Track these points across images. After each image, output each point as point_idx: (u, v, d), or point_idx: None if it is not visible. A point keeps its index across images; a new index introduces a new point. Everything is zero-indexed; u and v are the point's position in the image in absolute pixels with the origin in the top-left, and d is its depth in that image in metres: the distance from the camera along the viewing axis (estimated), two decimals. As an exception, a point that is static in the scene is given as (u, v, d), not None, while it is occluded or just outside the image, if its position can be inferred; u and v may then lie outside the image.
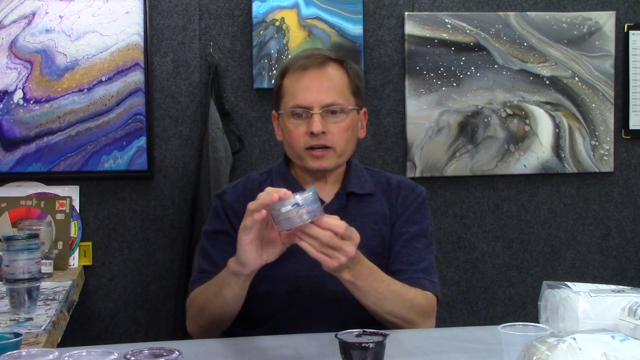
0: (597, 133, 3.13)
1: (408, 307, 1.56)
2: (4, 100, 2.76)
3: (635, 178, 3.20)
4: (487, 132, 3.06)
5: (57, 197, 2.71)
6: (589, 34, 3.11)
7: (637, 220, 3.22)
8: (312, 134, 1.64)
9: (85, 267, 2.80)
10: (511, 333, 1.22)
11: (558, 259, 3.16)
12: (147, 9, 2.81)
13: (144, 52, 2.82)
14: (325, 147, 1.67)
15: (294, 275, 1.64)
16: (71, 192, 2.77)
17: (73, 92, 2.79)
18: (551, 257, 3.16)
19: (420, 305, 1.59)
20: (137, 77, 2.82)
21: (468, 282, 3.10)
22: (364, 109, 1.78)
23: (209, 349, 1.46)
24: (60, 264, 2.57)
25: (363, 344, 1.17)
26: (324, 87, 1.67)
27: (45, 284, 2.16)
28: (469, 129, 3.05)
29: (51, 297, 2.04)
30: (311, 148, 1.67)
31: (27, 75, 2.77)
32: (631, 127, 3.17)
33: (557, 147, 3.11)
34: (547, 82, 3.09)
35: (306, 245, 1.35)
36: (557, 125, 3.11)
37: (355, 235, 1.37)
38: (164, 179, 2.88)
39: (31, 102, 2.77)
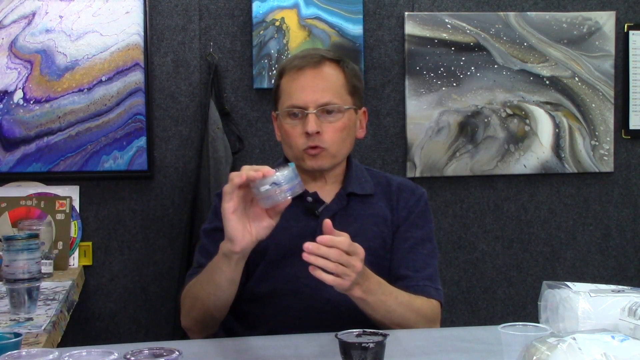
0: (597, 133, 3.13)
1: (415, 317, 1.57)
2: (4, 100, 2.76)
3: (635, 178, 3.20)
4: (487, 132, 3.06)
5: (57, 197, 2.71)
6: (589, 34, 3.11)
7: (637, 220, 3.22)
8: (307, 133, 1.65)
9: (85, 267, 2.80)
10: (511, 333, 1.22)
11: (558, 259, 3.16)
12: (147, 9, 2.81)
13: (144, 52, 2.82)
14: (319, 147, 1.67)
15: (294, 276, 1.64)
16: (71, 192, 2.77)
17: (73, 92, 2.79)
18: (551, 257, 3.16)
19: (426, 314, 1.61)
20: (137, 77, 2.82)
21: (468, 282, 3.10)
22: (364, 109, 1.78)
23: (209, 349, 1.46)
24: (60, 264, 2.57)
25: (363, 344, 1.17)
26: (319, 86, 1.67)
27: (45, 284, 2.16)
28: (469, 129, 3.05)
29: (51, 297, 2.04)
30: (307, 148, 1.67)
31: (27, 75, 2.77)
32: (631, 127, 3.17)
33: (557, 147, 3.11)
34: (547, 82, 3.09)
35: (320, 274, 1.34)
36: (557, 125, 3.11)
37: (360, 250, 1.37)
38: (164, 179, 2.88)
39: (31, 102, 2.77)
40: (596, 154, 3.13)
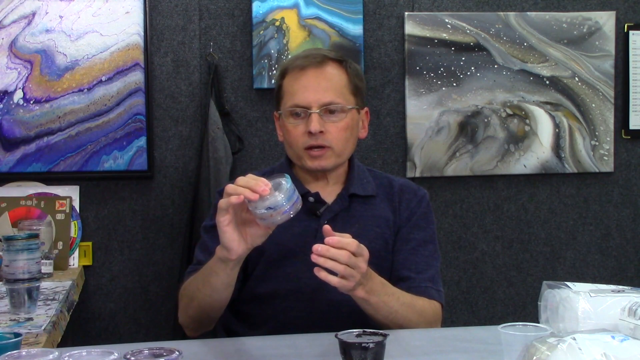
0: (597, 133, 3.13)
1: (417, 318, 1.57)
2: (4, 100, 2.76)
3: (635, 178, 3.20)
4: (487, 132, 3.06)
5: (57, 197, 2.71)
6: (589, 34, 3.11)
7: (637, 220, 3.21)
8: (310, 133, 1.65)
9: (85, 267, 2.80)
10: (511, 333, 1.21)
11: (558, 259, 3.16)
12: (147, 9, 2.81)
13: (144, 52, 2.82)
14: (323, 147, 1.67)
15: (295, 276, 1.64)
16: (71, 192, 2.77)
17: (73, 92, 2.79)
18: (551, 257, 3.16)
19: (428, 316, 1.61)
20: (137, 77, 2.82)
21: (468, 282, 3.10)
22: (366, 109, 1.78)
23: (209, 349, 1.46)
24: (60, 264, 2.57)
25: (363, 344, 1.17)
26: (322, 86, 1.67)
27: (45, 284, 2.16)
28: (469, 129, 3.05)
29: (51, 297, 2.04)
30: (310, 148, 1.67)
31: (27, 75, 2.77)
32: (631, 127, 3.17)
33: (557, 147, 3.11)
34: (547, 82, 3.09)
35: (326, 275, 1.34)
36: (557, 125, 3.11)
37: (365, 252, 1.38)
38: (164, 179, 2.88)
39: (31, 102, 2.77)
40: (596, 154, 3.13)
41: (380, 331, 1.23)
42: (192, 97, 2.88)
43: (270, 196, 1.30)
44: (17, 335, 1.20)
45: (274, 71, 2.88)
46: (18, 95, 2.76)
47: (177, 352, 1.06)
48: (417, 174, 3.01)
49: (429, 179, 3.02)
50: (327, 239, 1.33)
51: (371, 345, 1.17)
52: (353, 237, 1.66)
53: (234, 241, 1.37)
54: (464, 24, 3.03)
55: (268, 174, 1.79)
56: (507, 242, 3.13)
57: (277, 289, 1.65)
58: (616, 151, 3.16)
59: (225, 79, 2.92)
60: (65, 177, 2.79)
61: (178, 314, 1.66)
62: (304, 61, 1.69)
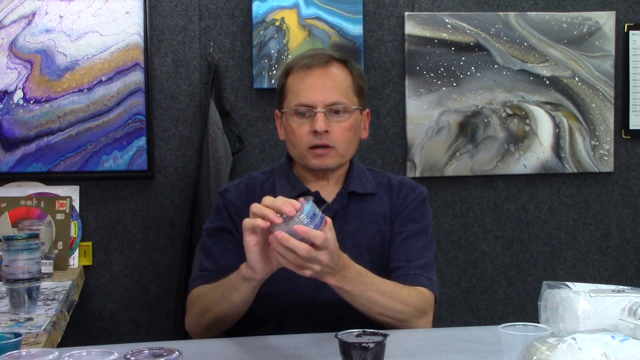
0: (597, 133, 3.13)
1: (401, 307, 1.55)
2: (4, 100, 2.76)
3: (635, 178, 3.20)
4: (487, 132, 3.06)
5: (57, 197, 2.71)
6: (589, 34, 3.11)
7: (637, 220, 3.22)
8: (315, 132, 1.65)
9: (85, 267, 2.80)
10: (511, 333, 1.21)
11: (558, 259, 3.16)
12: (147, 9, 2.81)
13: (144, 52, 2.82)
14: (327, 146, 1.67)
15: (294, 275, 1.64)
16: (71, 192, 2.77)
17: (73, 92, 2.79)
18: (551, 257, 3.16)
19: (413, 304, 1.57)
20: (137, 77, 2.82)
21: (468, 282, 3.10)
22: (367, 110, 1.78)
23: (209, 349, 1.46)
24: (60, 264, 2.57)
25: (363, 344, 1.17)
26: (327, 86, 1.67)
27: (45, 284, 2.16)
28: (469, 129, 3.05)
29: (51, 297, 2.04)
30: (314, 147, 1.67)
31: (27, 75, 2.77)
32: (631, 127, 3.17)
33: (557, 147, 3.11)
34: (547, 82, 3.09)
35: (279, 257, 1.34)
36: (557, 125, 3.11)
37: (332, 245, 1.35)
38: (164, 179, 2.88)
39: (31, 102, 2.77)
40: (596, 154, 3.13)
41: (380, 331, 1.23)
42: (192, 97, 2.88)
43: (293, 218, 1.30)
44: (17, 335, 1.20)
45: (274, 71, 2.88)
46: (18, 95, 2.76)
47: (177, 352, 1.06)
48: (417, 174, 3.01)
49: (429, 179, 3.02)
50: (295, 227, 1.30)
51: (371, 345, 1.17)
52: (351, 235, 1.67)
53: (260, 262, 1.38)
54: (464, 24, 3.03)
55: (268, 174, 1.80)
56: (507, 242, 3.13)
57: (276, 288, 1.65)
58: (616, 151, 3.16)
59: (225, 79, 2.92)
60: (65, 177, 2.79)
61: (185, 320, 1.66)
62: (310, 60, 1.69)
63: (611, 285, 1.38)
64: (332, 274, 1.42)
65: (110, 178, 2.83)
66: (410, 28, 3.00)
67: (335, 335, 1.21)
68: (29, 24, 2.76)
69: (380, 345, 1.18)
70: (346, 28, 2.94)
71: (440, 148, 3.03)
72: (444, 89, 3.03)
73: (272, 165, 1.87)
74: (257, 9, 2.88)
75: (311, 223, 1.31)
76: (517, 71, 3.07)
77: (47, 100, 2.78)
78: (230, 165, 2.82)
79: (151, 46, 2.83)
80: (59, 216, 2.66)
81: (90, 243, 2.83)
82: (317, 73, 1.68)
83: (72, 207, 2.71)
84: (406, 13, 3.01)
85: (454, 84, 3.03)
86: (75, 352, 1.07)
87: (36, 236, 1.83)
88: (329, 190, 1.73)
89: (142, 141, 2.83)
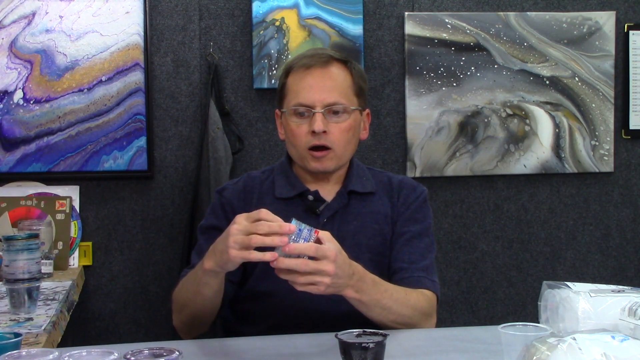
0: (597, 133, 3.13)
1: (411, 313, 1.56)
2: (4, 100, 2.76)
3: (635, 178, 3.20)
4: (487, 132, 3.06)
5: (57, 197, 2.71)
6: (589, 34, 3.11)
7: (637, 220, 3.21)
8: (313, 132, 1.65)
9: (85, 267, 2.80)
10: (511, 333, 1.21)
11: (558, 259, 3.16)
12: (147, 9, 2.81)
13: (144, 52, 2.82)
14: (325, 148, 1.67)
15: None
16: (71, 192, 2.77)
17: (73, 92, 2.79)
18: (551, 257, 3.16)
19: (422, 308, 1.60)
20: (137, 77, 2.82)
21: (468, 282, 3.10)
22: (367, 110, 1.78)
23: (209, 349, 1.46)
24: (60, 264, 2.57)
25: (363, 344, 1.17)
26: (327, 86, 1.67)
27: (45, 284, 2.16)
28: (469, 129, 3.05)
29: (51, 297, 2.04)
30: (313, 148, 1.67)
31: (27, 75, 2.77)
32: (631, 127, 3.17)
33: (557, 147, 3.11)
34: (547, 82, 3.09)
35: (291, 284, 1.34)
36: (557, 125, 3.11)
37: (329, 252, 1.33)
38: (164, 179, 2.88)
39: (31, 102, 2.77)
40: (596, 154, 3.13)
41: (380, 331, 1.23)
42: (192, 97, 2.88)
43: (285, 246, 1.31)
44: (17, 335, 1.20)
45: (274, 71, 2.88)
46: (18, 95, 2.76)
47: (177, 352, 1.06)
48: (417, 174, 3.01)
49: (429, 179, 3.02)
50: (283, 248, 1.30)
51: (371, 345, 1.17)
52: (351, 234, 1.67)
53: (236, 263, 1.38)
54: (464, 24, 3.03)
55: (267, 173, 1.79)
56: (507, 242, 3.13)
57: (276, 287, 1.64)
58: (616, 151, 3.16)
59: (225, 79, 2.92)
60: (65, 177, 2.79)
61: (172, 317, 1.66)
62: (310, 60, 1.69)
63: (611, 285, 1.38)
64: (348, 287, 1.41)
65: (110, 178, 2.83)
66: (410, 28, 3.00)
67: (335, 335, 1.21)
68: (29, 24, 2.76)
69: (380, 345, 1.18)
70: (346, 28, 2.94)
71: (440, 148, 3.03)
72: (444, 89, 3.03)
73: (271, 164, 1.87)
74: (257, 9, 2.88)
75: (299, 238, 1.31)
76: (517, 71, 3.07)
77: (47, 100, 2.78)
78: (230, 165, 2.82)
79: (151, 46, 2.83)
80: (59, 216, 2.66)
81: (90, 243, 2.83)
82: (317, 73, 1.68)
83: (72, 207, 2.71)
84: (406, 13, 3.01)
85: (454, 84, 3.03)
86: (75, 352, 1.07)
87: (36, 236, 1.83)
88: (329, 190, 1.73)
89: (142, 141, 2.83)
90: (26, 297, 1.79)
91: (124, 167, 2.82)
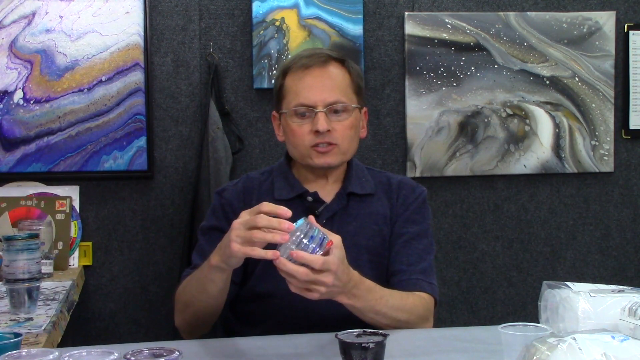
0: (597, 133, 3.13)
1: (407, 317, 1.56)
2: (4, 100, 2.76)
3: (635, 178, 3.20)
4: (487, 132, 3.06)
5: (57, 197, 2.71)
6: (589, 34, 3.11)
7: (637, 220, 3.21)
8: (317, 132, 1.64)
9: (85, 267, 2.80)
10: (511, 333, 1.21)
11: (558, 259, 3.16)
12: (147, 9, 2.81)
13: (144, 52, 2.82)
14: (329, 144, 1.67)
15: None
16: (71, 192, 2.77)
17: (73, 92, 2.79)
18: (551, 257, 3.16)
19: (418, 312, 1.60)
20: (137, 77, 2.82)
21: (468, 282, 3.10)
22: (365, 109, 1.78)
23: (209, 349, 1.46)
24: (60, 264, 2.57)
25: (363, 344, 1.17)
26: (327, 85, 1.67)
27: (45, 284, 2.16)
28: (469, 129, 3.05)
29: (51, 297, 2.04)
30: (316, 145, 1.67)
31: (27, 75, 2.77)
32: (631, 127, 3.17)
33: (557, 147, 3.11)
34: (547, 82, 3.09)
35: (287, 281, 1.34)
36: (557, 125, 3.11)
37: (333, 266, 1.33)
38: (164, 179, 2.88)
39: (31, 102, 2.77)
40: (596, 154, 3.13)
41: (380, 331, 1.23)
42: (192, 97, 2.88)
43: (288, 242, 1.30)
44: (17, 335, 1.20)
45: (274, 71, 2.88)
46: (18, 95, 2.76)
47: (177, 352, 1.06)
48: (417, 174, 3.01)
49: (429, 179, 3.02)
50: (291, 253, 1.30)
51: (371, 345, 1.17)
52: (350, 235, 1.67)
53: (240, 258, 1.38)
54: (464, 24, 3.03)
55: (266, 174, 1.79)
56: (507, 242, 3.13)
57: (276, 288, 1.64)
58: (616, 151, 3.16)
59: (225, 79, 2.92)
60: (65, 177, 2.79)
61: (174, 317, 1.66)
62: (308, 60, 1.69)
63: (611, 285, 1.38)
64: (342, 293, 1.42)
65: (110, 178, 2.83)
66: (410, 28, 3.00)
67: (335, 335, 1.21)
68: (29, 24, 2.76)
69: (380, 345, 1.18)
70: (346, 28, 2.94)
71: (440, 148, 3.03)
72: (444, 89, 3.03)
73: (271, 165, 1.87)
74: (257, 9, 2.88)
75: (311, 243, 1.31)
76: (517, 71, 3.07)
77: (47, 100, 2.78)
78: (230, 165, 2.82)
79: (151, 46, 2.83)
80: (59, 216, 2.66)
81: (90, 243, 2.83)
82: (316, 73, 1.68)
83: (72, 207, 2.71)
84: (406, 13, 3.01)
85: (454, 84, 3.03)
86: (75, 352, 1.07)
87: (36, 236, 1.83)
88: (328, 191, 1.73)
89: (142, 141, 2.83)
90: (26, 297, 1.79)
91: (124, 167, 2.82)
